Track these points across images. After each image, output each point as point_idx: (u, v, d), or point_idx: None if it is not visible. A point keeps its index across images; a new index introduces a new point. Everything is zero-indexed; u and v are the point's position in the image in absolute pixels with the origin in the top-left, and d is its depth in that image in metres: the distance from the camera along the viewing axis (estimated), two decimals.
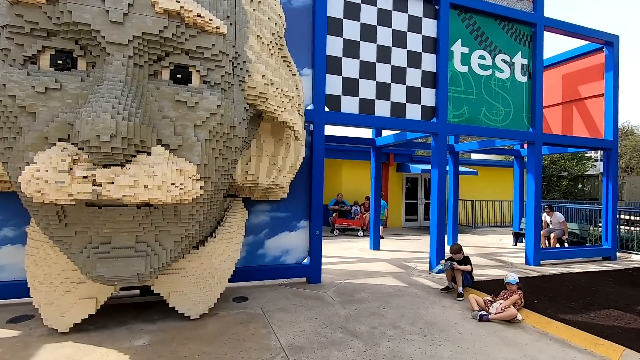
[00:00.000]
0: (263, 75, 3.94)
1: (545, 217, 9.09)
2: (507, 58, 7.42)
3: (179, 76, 3.47)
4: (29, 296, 3.97)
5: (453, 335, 4.02)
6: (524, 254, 8.10)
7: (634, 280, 6.37)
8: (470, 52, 7.07)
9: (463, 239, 10.72)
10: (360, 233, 11.35)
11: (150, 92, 3.32)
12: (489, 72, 7.24)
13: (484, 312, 4.52)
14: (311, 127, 5.88)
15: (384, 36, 6.45)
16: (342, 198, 12.29)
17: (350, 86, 6.22)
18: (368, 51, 6.34)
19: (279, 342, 3.71)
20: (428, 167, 12.94)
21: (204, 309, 4.25)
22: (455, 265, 5.34)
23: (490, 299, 4.79)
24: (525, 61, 7.61)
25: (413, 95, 6.67)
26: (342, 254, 8.46)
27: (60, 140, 3.07)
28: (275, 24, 4.34)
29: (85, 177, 2.93)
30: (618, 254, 8.87)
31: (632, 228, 10.09)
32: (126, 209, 3.29)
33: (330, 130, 8.74)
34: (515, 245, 10.20)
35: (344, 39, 6.16)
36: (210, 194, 3.70)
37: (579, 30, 8.10)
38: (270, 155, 4.76)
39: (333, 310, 4.66)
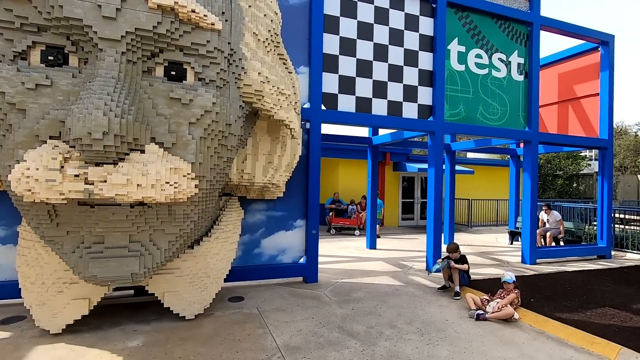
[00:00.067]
0: (259, 73, 3.90)
1: (543, 215, 9.12)
2: (503, 57, 7.42)
3: (173, 73, 3.42)
4: (20, 297, 3.90)
5: (450, 334, 4.01)
6: (520, 253, 8.12)
7: (629, 279, 6.40)
8: (467, 51, 7.06)
9: (459, 238, 10.74)
10: (357, 232, 11.33)
11: (143, 89, 3.27)
12: (486, 71, 7.24)
13: (481, 311, 4.51)
14: (307, 125, 5.84)
15: (381, 34, 6.42)
16: (339, 197, 12.27)
17: (346, 84, 6.18)
18: (365, 49, 6.30)
19: (275, 343, 3.67)
20: (424, 166, 12.95)
21: (199, 309, 4.20)
22: (452, 264, 5.33)
23: (487, 297, 4.78)
24: (521, 60, 7.62)
25: (410, 93, 6.65)
26: (338, 253, 8.43)
27: (51, 137, 3.02)
28: (272, 21, 4.29)
29: (77, 176, 2.88)
30: (613, 253, 8.92)
31: (626, 227, 10.15)
32: (119, 208, 3.24)
33: (326, 128, 8.70)
34: (511, 244, 10.23)
35: (340, 36, 6.13)
36: (206, 192, 3.65)
37: (575, 30, 8.12)
38: (266, 154, 4.72)
39: (330, 310, 4.63)
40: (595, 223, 9.72)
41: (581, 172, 22.44)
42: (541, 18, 7.67)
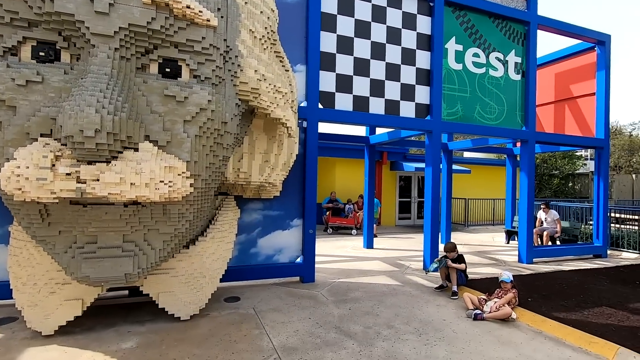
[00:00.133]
0: (255, 70, 3.85)
1: (541, 214, 9.13)
2: (500, 56, 7.41)
3: (168, 70, 3.37)
4: (12, 298, 3.82)
5: (448, 334, 3.98)
6: (516, 252, 8.12)
7: (625, 278, 6.41)
8: (465, 50, 7.04)
9: (456, 237, 10.74)
10: (354, 231, 11.31)
11: (137, 86, 3.21)
12: (483, 70, 7.22)
13: (478, 311, 4.49)
14: (304, 124, 5.79)
15: (378, 33, 6.38)
16: (336, 196, 12.23)
17: (344, 83, 6.14)
18: (362, 48, 6.26)
19: (272, 343, 3.63)
20: (421, 165, 12.94)
21: (194, 310, 4.15)
22: (450, 263, 5.31)
23: (484, 297, 4.76)
24: (518, 59, 7.61)
25: (407, 92, 6.62)
26: (335, 252, 8.39)
27: (42, 135, 2.96)
28: (268, 18, 4.24)
29: (68, 174, 2.82)
30: (609, 252, 8.96)
31: (622, 226, 10.20)
32: (112, 208, 3.18)
33: (323, 127, 8.66)
34: (508, 243, 10.24)
35: (337, 35, 6.08)
36: (201, 191, 3.59)
37: (572, 29, 8.13)
38: (262, 153, 4.67)
39: (327, 310, 4.59)
40: (591, 222, 9.75)
41: (577, 171, 22.55)
42: (538, 17, 7.67)
